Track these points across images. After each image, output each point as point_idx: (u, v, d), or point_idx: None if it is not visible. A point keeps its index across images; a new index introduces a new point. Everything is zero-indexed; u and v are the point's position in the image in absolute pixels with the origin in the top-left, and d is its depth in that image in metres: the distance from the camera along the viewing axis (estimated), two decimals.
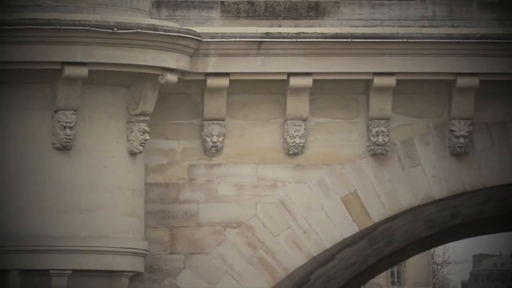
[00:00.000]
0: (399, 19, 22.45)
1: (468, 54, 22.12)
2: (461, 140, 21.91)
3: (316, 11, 22.33)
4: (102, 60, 19.00)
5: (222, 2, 22.26)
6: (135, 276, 21.36)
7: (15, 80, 19.36)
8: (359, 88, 22.31)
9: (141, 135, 20.54)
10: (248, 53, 21.22)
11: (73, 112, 19.47)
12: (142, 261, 21.39)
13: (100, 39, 18.90)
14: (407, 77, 21.69)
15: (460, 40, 21.75)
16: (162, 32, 19.96)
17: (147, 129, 20.47)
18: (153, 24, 19.92)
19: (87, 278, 20.47)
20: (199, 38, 20.36)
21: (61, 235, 19.68)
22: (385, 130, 22.00)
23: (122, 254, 20.85)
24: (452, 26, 22.83)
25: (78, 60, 18.97)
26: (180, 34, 20.38)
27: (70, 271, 19.80)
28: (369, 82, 21.89)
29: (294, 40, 21.23)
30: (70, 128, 19.57)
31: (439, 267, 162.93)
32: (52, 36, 18.66)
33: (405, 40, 21.44)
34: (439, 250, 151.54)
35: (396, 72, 21.72)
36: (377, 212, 22.68)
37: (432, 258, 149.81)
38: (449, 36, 22.12)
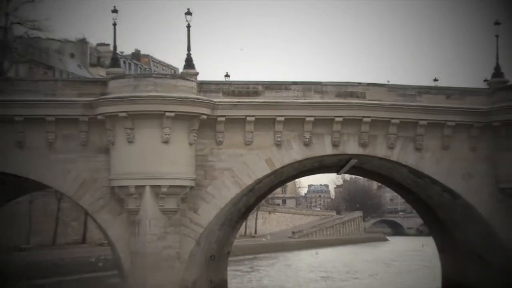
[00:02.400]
0: None
1: None
2: None
3: None
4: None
5: (224, 91, 35.27)
6: (191, 187, 34.25)
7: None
8: None
9: (194, 137, 33.98)
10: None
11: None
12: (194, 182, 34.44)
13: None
14: None
15: None
16: (204, 101, 33.48)
17: (196, 136, 33.97)
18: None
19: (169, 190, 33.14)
20: (214, 103, 33.94)
21: None
22: None
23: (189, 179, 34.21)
24: None
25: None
26: (210, 102, 33.85)
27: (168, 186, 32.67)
28: None
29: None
30: (168, 135, 32.64)
31: None
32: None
33: None
34: None
35: None
36: (278, 164, 35.73)
37: None
38: None
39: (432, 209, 43.38)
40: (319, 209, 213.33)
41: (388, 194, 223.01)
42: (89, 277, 55.59)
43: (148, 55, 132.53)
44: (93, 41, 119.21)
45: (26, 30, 63.96)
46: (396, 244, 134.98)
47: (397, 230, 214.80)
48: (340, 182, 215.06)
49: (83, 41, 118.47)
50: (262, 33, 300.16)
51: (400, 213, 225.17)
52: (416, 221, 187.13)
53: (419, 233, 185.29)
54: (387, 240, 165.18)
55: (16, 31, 63.84)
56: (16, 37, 67.08)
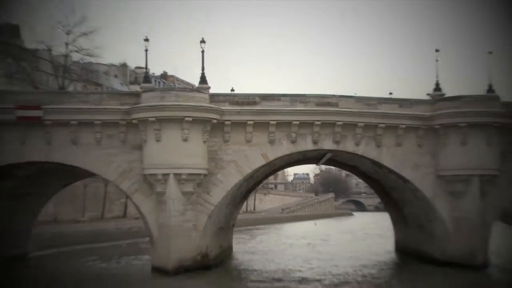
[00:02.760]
0: None
1: None
2: None
3: None
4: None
5: (229, 101, 34.92)
6: (204, 175, 33.95)
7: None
8: None
9: (206, 137, 33.73)
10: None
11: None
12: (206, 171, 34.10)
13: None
14: None
15: None
16: (214, 109, 33.46)
17: (208, 135, 33.75)
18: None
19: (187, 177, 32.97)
20: (223, 110, 33.96)
21: None
22: None
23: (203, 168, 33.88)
24: None
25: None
26: (219, 109, 33.77)
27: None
28: None
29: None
30: (187, 134, 32.64)
31: None
32: None
33: None
34: None
35: None
36: (271, 157, 35.48)
37: None
38: None
39: (388, 191, 43.04)
40: (302, 191, 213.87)
41: (354, 180, 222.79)
42: (128, 243, 55.41)
43: (173, 75, 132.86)
44: (131, 64, 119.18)
45: (81, 57, 65.00)
46: (359, 218, 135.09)
47: (360, 207, 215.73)
48: (318, 171, 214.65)
49: (124, 65, 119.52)
50: (262, 50, 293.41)
51: (363, 194, 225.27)
52: (374, 200, 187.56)
53: (377, 209, 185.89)
54: (352, 215, 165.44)
55: (74, 57, 64.25)
56: (74, 62, 67.99)
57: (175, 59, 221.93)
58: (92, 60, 70.35)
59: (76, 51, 62.21)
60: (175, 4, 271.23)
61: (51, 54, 66.74)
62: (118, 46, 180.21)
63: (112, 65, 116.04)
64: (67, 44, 59.91)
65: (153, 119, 32.59)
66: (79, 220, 67.55)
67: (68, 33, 58.94)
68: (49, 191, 44.13)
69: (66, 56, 62.33)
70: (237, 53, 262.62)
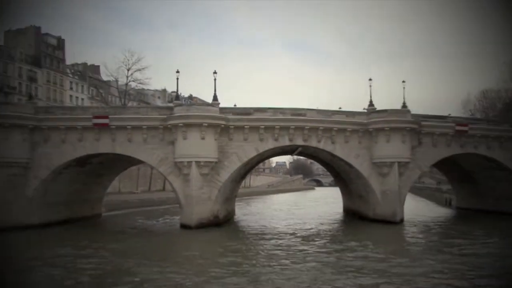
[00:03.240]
0: None
1: None
2: None
3: None
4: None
5: (233, 112, 34.13)
6: (215, 162, 33.13)
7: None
8: None
9: (217, 136, 32.82)
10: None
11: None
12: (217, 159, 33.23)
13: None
14: None
15: None
16: (222, 117, 32.95)
17: (218, 135, 32.98)
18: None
19: (204, 163, 32.32)
20: (228, 118, 33.32)
21: None
22: None
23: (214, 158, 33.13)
24: None
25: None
26: (225, 118, 33.09)
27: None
28: None
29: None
30: (204, 134, 31.84)
31: None
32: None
33: None
34: None
35: None
36: (261, 150, 34.60)
37: None
38: None
39: (339, 172, 42.33)
40: (281, 174, 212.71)
41: (315, 166, 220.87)
42: (165, 208, 54.79)
43: (196, 97, 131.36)
44: (169, 89, 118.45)
45: (136, 84, 67.14)
46: (319, 192, 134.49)
47: (320, 183, 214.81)
48: (292, 160, 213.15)
49: (164, 90, 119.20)
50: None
51: (321, 175, 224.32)
52: (329, 179, 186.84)
53: (330, 185, 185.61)
54: (314, 189, 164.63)
55: (131, 84, 65.67)
56: (131, 88, 69.33)
57: (199, 83, 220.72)
58: (144, 87, 72.26)
59: (133, 81, 64.63)
60: (196, 42, 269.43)
61: (117, 83, 69.07)
62: (161, 76, 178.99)
63: (157, 90, 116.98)
64: (127, 77, 62.95)
65: (181, 124, 32.09)
66: (134, 192, 67.37)
67: (128, 69, 62.20)
68: (115, 172, 44.08)
69: (126, 84, 64.67)
70: (242, 79, 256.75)
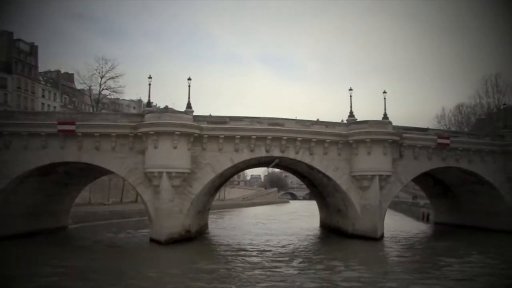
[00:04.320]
0: None
1: None
2: None
3: None
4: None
5: (207, 121, 32.25)
6: (188, 173, 30.97)
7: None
8: None
9: (190, 145, 30.89)
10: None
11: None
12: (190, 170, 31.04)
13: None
14: None
15: None
16: (196, 126, 30.94)
17: (191, 145, 31.03)
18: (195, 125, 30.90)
19: (176, 174, 30.19)
20: (202, 127, 31.36)
21: None
22: None
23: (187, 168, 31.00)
24: None
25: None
26: (199, 127, 31.10)
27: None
28: None
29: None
30: (176, 143, 29.87)
31: None
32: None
33: None
34: None
35: None
36: (236, 161, 32.74)
37: None
38: None
39: (316, 185, 40.85)
40: (256, 186, 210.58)
41: (290, 179, 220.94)
42: (136, 220, 53.07)
43: (172, 107, 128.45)
44: (145, 99, 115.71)
45: (109, 93, 66.13)
46: (293, 204, 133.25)
47: (294, 197, 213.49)
48: (267, 173, 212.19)
49: (139, 100, 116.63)
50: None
51: (295, 188, 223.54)
52: (303, 192, 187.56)
53: (305, 198, 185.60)
54: (289, 202, 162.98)
55: (105, 93, 65.71)
56: (103, 96, 68.61)
57: (175, 95, 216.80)
58: (117, 96, 71.49)
59: (106, 89, 64.54)
60: (174, 54, 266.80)
61: (91, 91, 68.53)
62: (137, 87, 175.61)
63: (132, 100, 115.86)
64: (100, 84, 62.79)
65: (152, 132, 30.21)
66: (105, 203, 64.65)
67: (101, 77, 61.99)
68: (83, 182, 42.33)
69: (99, 92, 64.35)
70: (216, 84, 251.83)
